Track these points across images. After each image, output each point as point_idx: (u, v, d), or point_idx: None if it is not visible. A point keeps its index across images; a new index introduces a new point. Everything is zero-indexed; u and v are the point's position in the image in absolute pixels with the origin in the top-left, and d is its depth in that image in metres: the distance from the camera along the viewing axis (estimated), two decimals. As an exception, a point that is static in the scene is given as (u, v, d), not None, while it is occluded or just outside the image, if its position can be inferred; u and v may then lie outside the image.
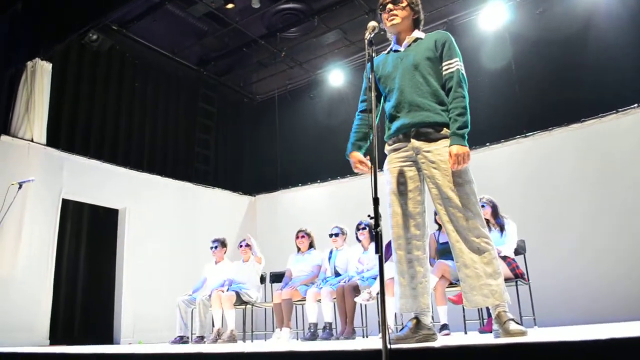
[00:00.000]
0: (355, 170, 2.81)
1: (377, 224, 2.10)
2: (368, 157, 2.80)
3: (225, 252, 6.47)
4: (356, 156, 2.81)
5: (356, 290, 5.09)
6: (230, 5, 7.21)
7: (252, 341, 6.24)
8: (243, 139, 10.22)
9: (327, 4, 7.59)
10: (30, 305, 6.17)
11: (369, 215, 2.16)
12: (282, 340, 5.25)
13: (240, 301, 5.87)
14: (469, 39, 7.34)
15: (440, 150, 2.64)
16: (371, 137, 2.86)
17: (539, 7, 7.06)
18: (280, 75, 9.38)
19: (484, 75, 7.07)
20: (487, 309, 4.27)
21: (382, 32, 2.73)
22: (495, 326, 2.57)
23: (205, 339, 5.79)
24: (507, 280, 4.15)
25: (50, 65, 7.06)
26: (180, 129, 9.17)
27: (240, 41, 8.48)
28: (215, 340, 5.63)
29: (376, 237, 2.08)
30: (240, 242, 6.30)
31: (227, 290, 5.89)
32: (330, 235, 5.74)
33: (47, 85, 6.98)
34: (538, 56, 7.00)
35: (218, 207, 8.91)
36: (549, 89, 6.83)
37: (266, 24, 8.11)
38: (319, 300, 5.31)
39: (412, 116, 2.69)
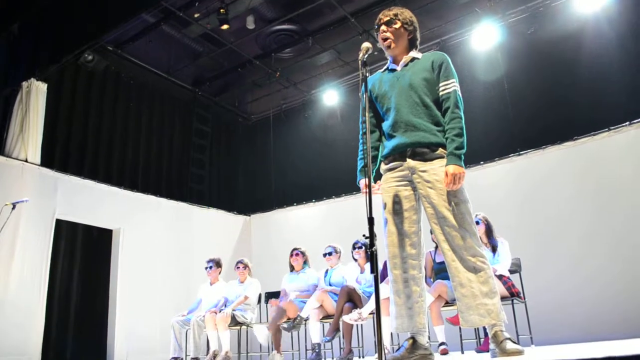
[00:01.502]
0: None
1: (372, 244, 2.10)
2: (378, 183, 2.81)
3: (220, 273, 6.43)
4: (364, 182, 2.79)
5: (354, 301, 5.05)
6: (225, 26, 7.26)
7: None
8: (238, 158, 10.23)
9: (321, 25, 7.67)
10: (22, 327, 6.09)
11: (364, 235, 2.16)
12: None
13: (235, 322, 5.82)
14: (462, 59, 7.42)
15: (436, 170, 2.65)
16: (378, 160, 2.89)
17: (530, 27, 7.17)
18: (275, 95, 9.44)
19: (477, 94, 7.14)
20: (484, 328, 4.26)
21: (375, 53, 2.76)
22: (492, 345, 2.57)
23: None
24: (503, 299, 4.15)
25: (46, 85, 7.06)
26: (175, 149, 9.17)
27: (235, 61, 8.54)
28: None
29: (371, 256, 2.09)
30: (237, 263, 6.26)
31: (225, 307, 5.85)
32: (324, 255, 5.72)
33: (42, 106, 6.98)
34: (530, 76, 7.09)
35: (213, 226, 8.88)
36: (541, 108, 6.90)
37: (261, 44, 8.18)
38: (322, 319, 5.27)
39: (408, 136, 2.71)
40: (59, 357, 6.75)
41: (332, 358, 5.90)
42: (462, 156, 2.62)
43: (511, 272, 4.86)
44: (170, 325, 6.08)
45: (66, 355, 6.92)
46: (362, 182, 2.78)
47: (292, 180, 9.29)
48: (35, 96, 6.89)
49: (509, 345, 2.47)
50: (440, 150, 2.68)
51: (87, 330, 7.25)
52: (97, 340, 7.15)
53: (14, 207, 5.51)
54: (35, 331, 6.22)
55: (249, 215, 9.65)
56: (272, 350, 5.44)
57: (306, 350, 5.82)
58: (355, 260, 5.50)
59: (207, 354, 6.17)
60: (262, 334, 5.52)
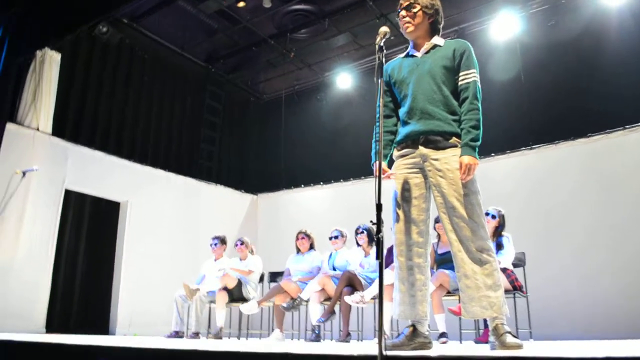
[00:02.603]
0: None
1: (379, 230, 2.09)
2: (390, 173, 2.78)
3: (224, 250, 6.47)
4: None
5: (354, 286, 5.08)
6: (241, 4, 7.22)
7: (246, 339, 6.24)
8: (248, 137, 10.22)
9: (339, 7, 7.59)
10: (28, 294, 6.19)
11: (371, 221, 2.15)
12: (274, 342, 5.25)
13: (235, 298, 5.87)
14: (479, 48, 7.28)
15: (448, 159, 2.62)
16: (393, 145, 2.85)
17: (551, 19, 7.05)
18: (288, 75, 9.39)
19: (493, 85, 7.06)
20: (485, 319, 4.27)
21: (392, 38, 2.72)
22: (491, 338, 2.57)
23: (200, 335, 5.80)
24: (505, 292, 4.14)
25: (60, 55, 7.07)
26: (186, 125, 9.18)
27: (249, 40, 8.49)
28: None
29: (377, 243, 2.07)
30: (237, 241, 6.30)
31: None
32: (330, 238, 5.75)
33: (55, 75, 7.00)
34: (548, 68, 6.99)
35: (220, 204, 8.92)
36: (557, 102, 6.82)
37: (276, 24, 8.12)
38: (323, 302, 5.31)
39: (423, 124, 2.68)
40: (62, 325, 6.85)
41: (332, 339, 5.95)
42: (477, 148, 2.60)
43: (515, 265, 4.85)
44: (173, 299, 6.14)
45: (70, 323, 7.03)
46: (376, 165, 2.75)
47: (302, 162, 9.28)
48: (48, 65, 6.90)
49: (509, 339, 2.47)
50: (453, 140, 2.65)
51: (91, 299, 7.35)
52: (101, 310, 7.25)
53: (24, 175, 5.57)
54: (40, 300, 6.32)
55: (257, 195, 9.67)
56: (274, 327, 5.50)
57: (306, 331, 5.86)
58: (359, 245, 5.52)
59: (208, 330, 6.26)
60: (247, 304, 5.55)
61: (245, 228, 8.89)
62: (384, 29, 2.49)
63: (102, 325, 7.13)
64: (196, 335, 5.80)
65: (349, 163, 8.21)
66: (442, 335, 4.55)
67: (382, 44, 2.46)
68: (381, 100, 2.37)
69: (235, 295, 5.90)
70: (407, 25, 2.80)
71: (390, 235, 2.75)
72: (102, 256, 7.52)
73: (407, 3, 2.80)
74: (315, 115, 9.36)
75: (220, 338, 5.72)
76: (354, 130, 8.19)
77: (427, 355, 2.00)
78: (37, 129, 6.66)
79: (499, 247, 4.73)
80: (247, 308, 5.53)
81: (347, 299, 4.93)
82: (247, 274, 6.01)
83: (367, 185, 7.52)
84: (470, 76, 2.68)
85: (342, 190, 8.48)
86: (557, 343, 4.22)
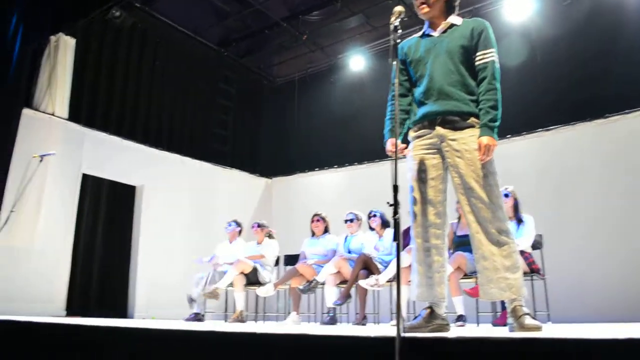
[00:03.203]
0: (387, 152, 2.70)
1: (395, 212, 2.07)
2: (405, 146, 2.76)
3: (240, 233, 6.49)
4: (391, 141, 2.73)
5: (370, 269, 5.09)
6: (253, -14, 7.16)
7: (263, 322, 6.29)
8: (261, 121, 10.22)
9: (351, -12, 7.51)
10: (48, 277, 6.29)
11: (388, 203, 2.13)
12: (291, 324, 5.28)
13: (252, 282, 5.90)
14: (494, 29, 7.19)
15: (466, 139, 2.59)
16: (406, 123, 2.83)
17: (567, -2, 6.91)
18: (301, 58, 9.34)
19: (508, 66, 6.94)
20: (502, 302, 4.25)
21: (405, 19, 2.67)
22: (510, 320, 2.56)
23: (200, 316, 5.85)
24: (523, 274, 4.12)
25: (74, 40, 7.09)
26: (199, 109, 9.18)
27: (262, 23, 8.43)
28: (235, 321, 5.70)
29: (395, 225, 2.06)
30: (253, 224, 6.31)
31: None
32: (345, 221, 5.74)
33: (70, 60, 7.03)
34: (564, 48, 6.86)
35: (234, 187, 8.96)
36: (573, 82, 6.70)
37: (289, 6, 8.06)
38: (339, 284, 5.33)
39: (440, 104, 2.65)
40: (82, 308, 6.95)
41: (348, 322, 5.98)
42: (496, 129, 2.57)
43: (532, 248, 4.82)
44: (194, 281, 6.12)
45: (89, 306, 7.12)
46: (390, 143, 2.73)
47: (315, 145, 9.26)
48: (63, 51, 6.93)
49: (528, 321, 2.46)
50: (471, 120, 2.62)
51: (109, 282, 7.44)
52: (119, 293, 7.35)
53: (41, 160, 5.61)
54: (60, 281, 6.43)
55: (271, 178, 9.69)
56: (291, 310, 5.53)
57: (322, 313, 5.89)
58: (372, 229, 5.52)
59: (225, 312, 6.30)
60: (264, 287, 5.58)
61: (259, 211, 8.92)
62: (398, 8, 2.44)
63: (121, 308, 7.23)
64: (196, 316, 5.83)
65: (362, 145, 8.18)
66: (460, 318, 4.54)
67: (397, 24, 2.41)
68: (396, 79, 2.33)
69: (252, 279, 5.93)
70: (422, 6, 2.76)
71: (407, 217, 2.74)
72: (119, 239, 7.60)
73: None
74: (328, 98, 9.31)
75: (243, 321, 5.76)
76: (367, 112, 8.13)
77: (445, 337, 1.99)
78: (53, 114, 6.71)
79: (519, 221, 4.69)
80: (263, 291, 5.56)
81: (362, 282, 4.94)
82: (260, 258, 6.03)
83: (381, 168, 7.48)
84: (488, 56, 2.64)
85: (356, 173, 8.46)
86: (576, 326, 4.21)
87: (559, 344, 1.74)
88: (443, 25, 2.76)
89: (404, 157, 2.74)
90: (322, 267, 5.44)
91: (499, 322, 4.53)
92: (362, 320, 5.11)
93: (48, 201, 6.39)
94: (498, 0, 7.41)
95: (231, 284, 5.88)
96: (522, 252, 4.53)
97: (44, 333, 3.54)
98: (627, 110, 6.10)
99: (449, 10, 2.80)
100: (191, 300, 5.96)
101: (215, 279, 5.92)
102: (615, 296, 5.54)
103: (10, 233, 5.67)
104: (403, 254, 4.43)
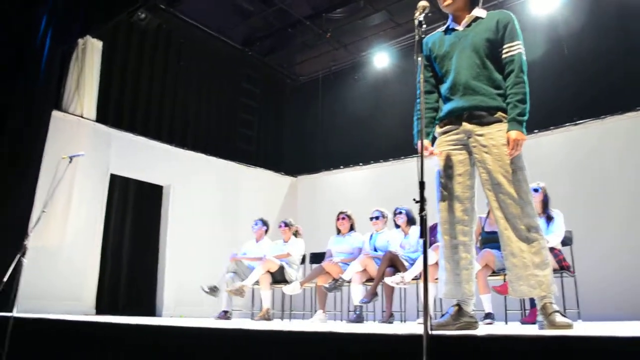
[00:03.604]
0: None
1: (422, 208, 2.05)
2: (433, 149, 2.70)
3: (266, 232, 6.51)
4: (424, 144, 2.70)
5: (396, 267, 5.07)
6: (276, -15, 7.18)
7: (290, 320, 6.31)
8: (286, 119, 10.24)
9: (375, -15, 7.47)
10: (78, 276, 6.41)
11: (414, 199, 2.11)
12: (317, 322, 5.28)
13: (278, 280, 5.92)
14: (520, 22, 7.06)
15: (493, 135, 2.55)
16: (435, 121, 2.79)
17: (596, -11, 6.77)
18: (324, 56, 9.32)
19: (534, 59, 6.82)
20: (531, 299, 4.19)
21: (429, 14, 2.63)
22: (540, 317, 2.51)
23: (228, 314, 5.89)
24: (553, 271, 4.05)
25: (101, 43, 7.21)
26: (224, 108, 9.25)
27: (285, 21, 8.45)
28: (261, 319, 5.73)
29: (421, 221, 2.04)
30: (280, 223, 6.33)
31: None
32: (371, 219, 5.72)
33: (98, 63, 7.15)
34: (592, 41, 6.71)
35: (260, 186, 9.01)
36: (602, 74, 6.54)
37: (312, 4, 8.05)
38: (365, 282, 5.31)
39: (467, 100, 2.61)
40: (111, 305, 7.07)
41: (374, 320, 5.95)
42: (524, 123, 2.52)
43: (562, 244, 4.73)
44: (223, 279, 6.14)
45: (118, 304, 7.24)
46: (419, 144, 2.69)
47: (340, 143, 9.25)
48: (90, 53, 7.05)
49: (558, 318, 2.41)
50: (498, 114, 2.57)
51: (138, 281, 7.55)
52: (148, 291, 7.45)
53: (70, 161, 5.70)
54: (89, 280, 6.54)
55: (296, 177, 9.71)
56: (317, 309, 5.54)
57: (348, 311, 5.88)
58: (398, 226, 5.49)
59: (252, 310, 6.33)
60: (290, 286, 5.59)
61: (284, 210, 8.96)
62: (423, 2, 2.40)
63: (149, 306, 7.33)
64: (225, 314, 5.88)
65: (387, 143, 8.14)
66: (488, 316, 4.49)
67: (421, 19, 2.37)
68: (421, 75, 2.30)
69: (278, 277, 5.94)
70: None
71: (434, 214, 2.71)
72: (147, 239, 7.71)
73: None
74: (352, 96, 9.28)
75: (269, 319, 5.79)
76: (391, 110, 8.09)
77: (474, 335, 1.97)
78: (81, 116, 6.83)
79: (549, 219, 4.61)
80: (290, 289, 5.58)
81: (388, 280, 4.92)
82: (286, 257, 6.05)
83: (406, 165, 7.44)
84: (515, 48, 2.59)
85: (381, 171, 8.42)
86: (607, 324, 4.12)
87: (590, 342, 1.71)
88: (467, 19, 2.72)
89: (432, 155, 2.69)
90: (348, 265, 5.43)
91: (528, 320, 4.46)
92: (389, 318, 5.09)
93: (77, 201, 6.51)
94: (525, -9, 7.28)
95: (257, 282, 5.90)
96: (551, 249, 4.45)
97: (73, 330, 3.61)
98: (659, 103, 5.94)
99: (473, 2, 2.75)
100: (212, 290, 5.97)
101: (240, 275, 5.97)
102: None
103: (41, 233, 5.78)
104: (430, 251, 4.40)
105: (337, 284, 5.31)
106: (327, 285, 5.34)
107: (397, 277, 4.89)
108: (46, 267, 6.09)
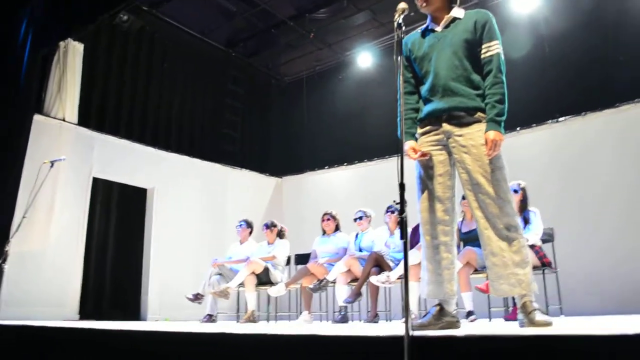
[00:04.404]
0: (411, 158, 2.67)
1: (402, 210, 2.06)
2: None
3: (250, 233, 6.49)
4: (409, 144, 2.71)
5: (381, 267, 5.09)
6: (259, -14, 7.17)
7: (275, 322, 6.30)
8: (271, 120, 10.23)
9: (357, -15, 7.49)
10: (61, 281, 6.35)
11: (394, 201, 2.13)
12: (302, 324, 5.29)
13: (263, 282, 5.91)
14: (502, 20, 7.13)
15: (473, 135, 2.57)
16: (417, 122, 2.79)
17: (576, -14, 6.84)
18: (308, 56, 9.33)
19: (516, 57, 6.89)
20: (513, 297, 4.23)
21: (412, 14, 2.65)
22: (520, 315, 2.54)
23: (213, 317, 5.88)
24: (534, 268, 4.10)
25: (82, 45, 7.15)
26: (208, 110, 9.22)
27: (269, 22, 8.44)
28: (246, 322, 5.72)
29: (401, 223, 2.05)
30: (265, 223, 6.31)
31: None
32: (355, 220, 5.73)
33: (79, 66, 7.09)
34: (572, 38, 6.78)
35: (245, 188, 8.99)
36: (583, 72, 6.62)
37: (295, 5, 8.05)
38: (350, 283, 5.33)
39: (446, 101, 2.62)
40: (96, 310, 7.02)
41: (360, 320, 5.97)
42: (503, 123, 2.54)
43: (544, 241, 4.78)
44: (208, 282, 6.11)
45: (102, 309, 7.19)
46: (408, 146, 2.70)
47: (325, 143, 9.25)
48: (72, 56, 6.99)
49: (538, 317, 2.44)
50: (478, 115, 2.59)
51: (122, 285, 7.50)
52: (132, 296, 7.40)
53: (52, 165, 5.66)
54: (73, 285, 6.49)
55: (281, 177, 9.70)
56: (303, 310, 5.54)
57: (334, 312, 5.89)
58: (386, 223, 5.51)
59: (237, 313, 6.32)
60: (275, 287, 5.59)
61: (270, 211, 8.94)
62: (401, 5, 2.42)
63: (134, 310, 7.28)
64: (210, 317, 5.86)
65: (372, 142, 8.16)
66: (470, 313, 4.53)
67: (400, 21, 2.39)
68: (401, 77, 2.32)
69: (263, 279, 5.93)
70: (421, 1, 2.73)
71: (416, 215, 2.72)
72: (131, 242, 7.66)
73: None
74: (337, 96, 9.30)
75: (254, 321, 5.78)
76: (376, 109, 8.12)
77: (455, 335, 1.98)
78: (63, 120, 6.77)
79: (526, 221, 4.66)
80: (274, 291, 5.58)
81: (373, 279, 4.94)
82: (272, 259, 6.04)
83: (391, 165, 7.40)
84: (493, 48, 2.61)
85: (366, 170, 8.44)
86: (588, 318, 4.17)
87: (568, 340, 1.73)
88: (446, 19, 2.72)
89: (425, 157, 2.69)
90: (333, 265, 5.44)
91: (511, 317, 4.50)
92: (374, 317, 5.10)
93: (59, 206, 6.45)
94: (506, -9, 7.34)
95: (242, 284, 5.89)
96: (532, 246, 4.50)
97: (57, 337, 3.58)
98: (637, 100, 6.02)
99: (450, 2, 2.76)
100: (196, 297, 5.96)
101: (226, 278, 5.96)
102: (629, 288, 5.48)
103: (23, 238, 5.72)
104: (413, 251, 4.43)
105: (321, 285, 5.32)
106: (311, 286, 5.34)
107: (383, 276, 4.91)
108: (28, 273, 6.04)
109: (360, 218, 5.69)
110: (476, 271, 4.63)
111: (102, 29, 7.62)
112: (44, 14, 6.65)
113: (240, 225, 6.45)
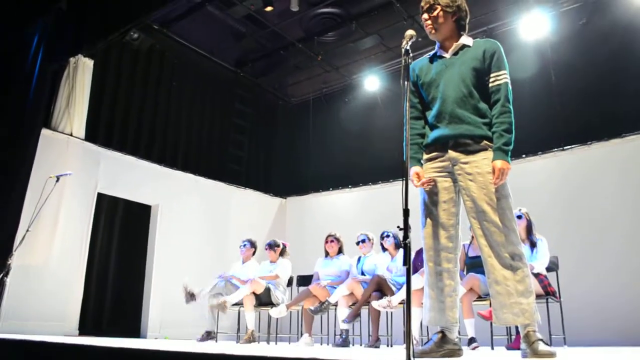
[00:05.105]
0: (414, 185, 2.69)
1: (406, 236, 2.06)
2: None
3: (254, 253, 6.47)
4: (414, 170, 2.73)
5: (383, 291, 5.06)
6: (269, 8, 7.26)
7: (276, 343, 6.25)
8: (276, 141, 10.26)
9: (365, 9, 7.57)
10: (62, 296, 6.32)
11: (398, 227, 2.12)
12: (303, 346, 5.24)
13: (264, 303, 5.87)
14: (508, 48, 7.10)
15: (478, 163, 2.58)
16: (423, 148, 2.80)
17: (582, 17, 6.89)
18: (316, 79, 9.41)
19: (523, 85, 6.92)
20: (517, 326, 4.18)
21: (420, 39, 2.67)
22: (523, 345, 2.51)
23: (212, 334, 5.83)
24: (538, 297, 4.06)
25: (92, 62, 7.23)
26: (215, 129, 9.26)
27: (277, 44, 8.53)
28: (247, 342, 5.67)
29: (405, 249, 2.05)
30: (268, 242, 6.29)
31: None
32: (357, 243, 5.73)
33: (88, 82, 7.16)
34: (579, 68, 6.82)
35: (249, 207, 8.98)
36: (589, 102, 6.65)
37: (304, 27, 8.13)
38: (351, 306, 5.29)
39: (452, 128, 2.64)
40: (95, 326, 6.98)
41: (360, 344, 5.91)
42: (510, 152, 2.55)
43: (548, 270, 4.75)
44: (205, 298, 6.09)
45: (102, 325, 7.15)
46: (412, 172, 2.71)
47: (330, 165, 9.27)
48: (81, 72, 7.06)
49: (541, 347, 2.41)
50: (484, 143, 2.60)
51: (123, 302, 7.46)
52: (132, 313, 7.35)
53: (57, 180, 5.69)
54: (74, 301, 6.45)
55: (285, 198, 9.70)
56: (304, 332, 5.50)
57: (335, 335, 5.84)
58: (385, 249, 5.50)
59: (237, 333, 6.28)
60: (277, 309, 5.56)
61: (273, 231, 8.92)
62: (409, 32, 2.45)
63: (134, 327, 7.23)
64: (208, 334, 5.82)
65: (377, 166, 8.17)
66: (472, 340, 4.48)
67: (408, 47, 2.42)
68: (408, 102, 2.34)
69: (264, 299, 5.90)
70: (430, 28, 2.76)
71: (419, 240, 2.72)
72: (133, 259, 7.64)
73: (427, 5, 2.75)
74: (343, 118, 9.33)
75: (254, 341, 5.73)
76: (382, 133, 8.14)
77: (457, 363, 1.96)
78: (71, 135, 6.81)
79: (533, 245, 4.64)
80: (276, 312, 5.54)
81: (375, 304, 4.90)
82: (274, 278, 6.01)
83: (395, 189, 7.37)
84: (501, 78, 2.63)
85: (370, 194, 8.44)
86: (592, 349, 4.12)
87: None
88: (454, 47, 2.75)
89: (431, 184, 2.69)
90: (336, 288, 5.41)
91: (514, 346, 4.45)
92: (375, 342, 5.06)
93: (64, 221, 6.45)
94: (513, 19, 7.40)
95: (241, 303, 5.86)
96: (536, 275, 4.47)
97: (56, 353, 3.55)
98: (644, 131, 6.03)
99: (459, 29, 2.79)
100: (191, 296, 5.92)
101: (226, 291, 5.93)
102: (634, 319, 5.42)
103: (26, 252, 5.73)
104: (416, 276, 4.41)
105: (322, 307, 5.29)
106: (312, 308, 5.31)
107: (384, 300, 4.88)
108: (30, 287, 6.01)
109: (363, 241, 5.69)
110: (479, 298, 4.59)
111: (113, 46, 7.69)
112: (55, 30, 6.74)
113: (244, 244, 6.44)
